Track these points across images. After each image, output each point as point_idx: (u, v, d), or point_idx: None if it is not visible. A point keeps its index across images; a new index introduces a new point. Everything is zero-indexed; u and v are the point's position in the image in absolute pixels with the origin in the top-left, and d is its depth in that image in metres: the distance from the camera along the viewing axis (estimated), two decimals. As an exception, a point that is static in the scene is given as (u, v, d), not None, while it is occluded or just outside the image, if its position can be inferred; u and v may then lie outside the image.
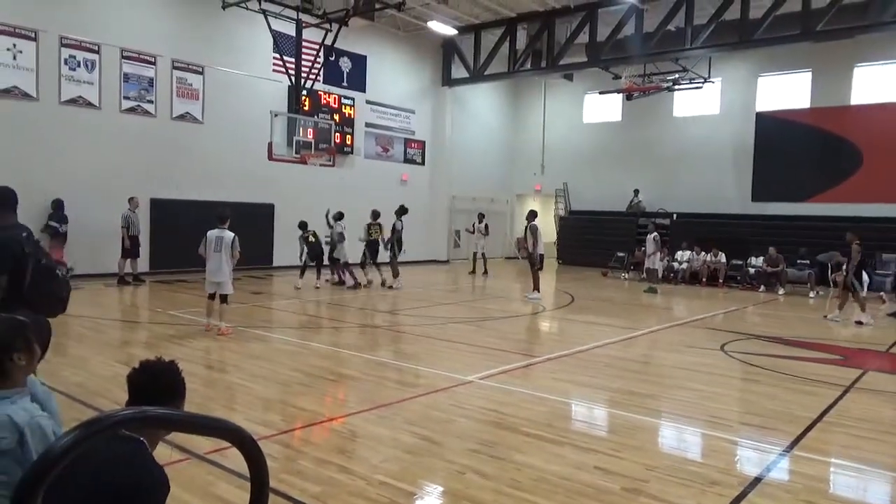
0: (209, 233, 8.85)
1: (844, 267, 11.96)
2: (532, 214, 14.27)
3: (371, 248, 15.12)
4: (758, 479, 4.21)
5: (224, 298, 8.77)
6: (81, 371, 6.45)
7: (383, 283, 14.84)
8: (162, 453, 2.23)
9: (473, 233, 19.99)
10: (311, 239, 14.33)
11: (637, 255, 20.16)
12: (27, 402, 2.27)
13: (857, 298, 11.81)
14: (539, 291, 13.76)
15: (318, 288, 14.21)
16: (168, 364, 2.25)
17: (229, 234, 8.73)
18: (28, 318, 2.51)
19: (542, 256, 14.24)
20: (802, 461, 4.63)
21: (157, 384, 2.18)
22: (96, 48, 14.56)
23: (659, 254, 16.71)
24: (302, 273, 14.54)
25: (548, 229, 27.11)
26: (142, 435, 2.03)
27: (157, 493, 1.95)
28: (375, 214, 15.39)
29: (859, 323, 11.55)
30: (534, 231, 13.84)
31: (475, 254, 19.58)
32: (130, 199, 14.08)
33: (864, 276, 12.42)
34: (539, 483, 4.01)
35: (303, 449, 4.63)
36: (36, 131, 13.68)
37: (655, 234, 16.43)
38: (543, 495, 3.84)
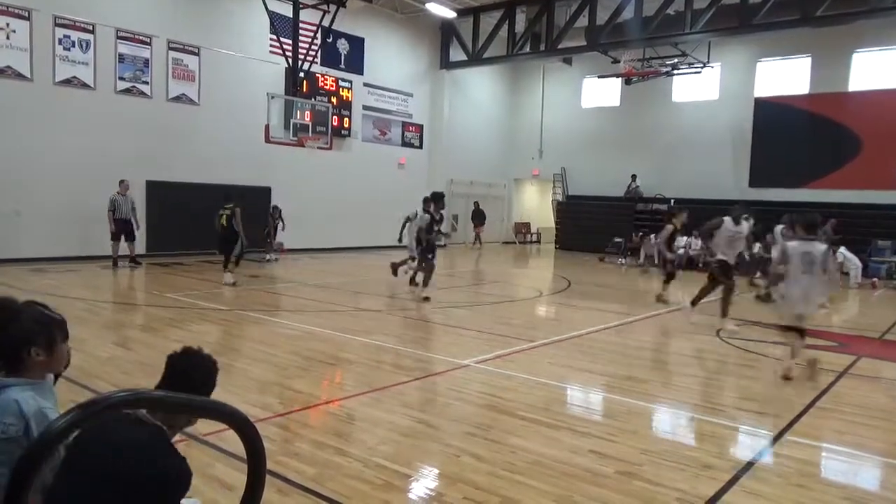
0: (790, 245, 6.73)
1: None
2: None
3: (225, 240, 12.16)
4: (750, 464, 4.25)
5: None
6: (78, 353, 6.39)
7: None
8: None
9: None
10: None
11: (634, 240, 20.19)
12: (39, 393, 2.21)
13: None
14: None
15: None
16: (207, 356, 2.27)
17: (820, 246, 6.65)
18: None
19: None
20: (795, 446, 4.67)
21: (191, 373, 2.18)
22: (91, 28, 14.41)
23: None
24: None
25: (545, 214, 27.24)
26: (157, 420, 1.90)
27: (175, 485, 1.75)
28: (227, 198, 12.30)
29: (660, 299, 11.09)
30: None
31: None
32: (121, 182, 13.88)
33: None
34: (534, 466, 4.04)
35: (300, 431, 4.66)
36: (30, 112, 13.58)
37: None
38: (539, 478, 3.87)
